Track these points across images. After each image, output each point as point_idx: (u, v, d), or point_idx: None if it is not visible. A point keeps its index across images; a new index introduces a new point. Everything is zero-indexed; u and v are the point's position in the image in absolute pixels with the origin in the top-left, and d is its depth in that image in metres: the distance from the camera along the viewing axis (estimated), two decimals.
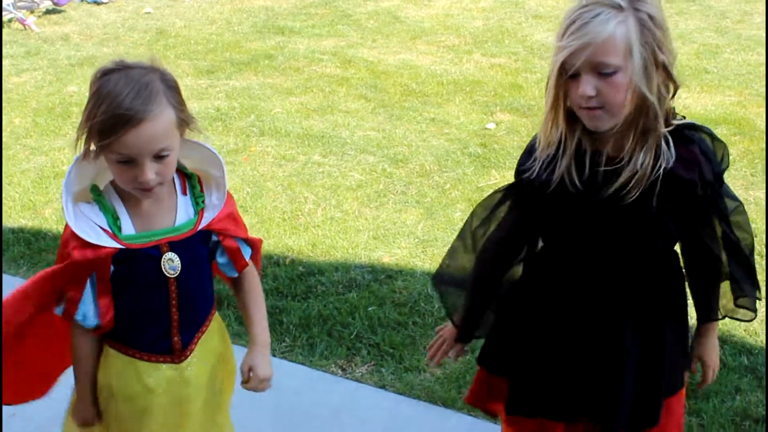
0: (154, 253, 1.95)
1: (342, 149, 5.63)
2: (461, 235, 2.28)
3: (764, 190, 4.85)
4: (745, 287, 2.15)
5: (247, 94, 6.75)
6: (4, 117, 6.34)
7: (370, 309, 3.73)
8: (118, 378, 2.05)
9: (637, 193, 1.89)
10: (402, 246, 4.32)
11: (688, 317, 2.18)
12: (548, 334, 2.14)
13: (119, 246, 1.91)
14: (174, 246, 1.97)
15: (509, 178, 5.08)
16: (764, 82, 6.66)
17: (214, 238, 2.06)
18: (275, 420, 3.06)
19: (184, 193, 2.02)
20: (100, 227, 1.91)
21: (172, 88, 1.90)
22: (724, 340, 3.45)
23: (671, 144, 1.89)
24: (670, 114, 1.91)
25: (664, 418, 2.14)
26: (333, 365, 3.40)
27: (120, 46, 8.23)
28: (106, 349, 2.06)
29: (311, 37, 8.45)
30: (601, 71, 1.81)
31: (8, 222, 4.69)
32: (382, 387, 3.26)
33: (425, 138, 5.81)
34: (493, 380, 2.33)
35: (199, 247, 2.03)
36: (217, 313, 2.19)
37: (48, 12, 9.47)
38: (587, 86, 1.82)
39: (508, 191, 2.17)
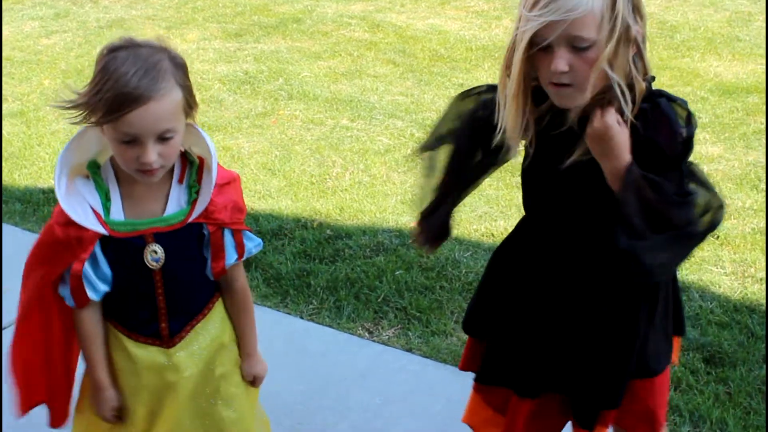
0: (137, 243, 1.91)
1: (370, 114, 5.61)
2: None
3: None
4: None
5: (275, 58, 6.74)
6: (34, 78, 6.39)
7: (397, 273, 3.73)
8: (114, 351, 2.03)
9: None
10: None
11: (672, 300, 2.05)
12: (525, 305, 2.06)
13: (103, 232, 1.87)
14: (160, 237, 1.92)
15: None
16: None
17: (205, 231, 1.97)
18: (301, 382, 3.08)
19: (180, 181, 1.96)
20: (91, 207, 1.87)
21: (180, 68, 1.84)
22: (752, 309, 3.43)
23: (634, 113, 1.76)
24: (641, 90, 1.77)
25: (635, 399, 2.06)
26: (360, 328, 3.41)
27: (149, 9, 8.22)
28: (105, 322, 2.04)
29: (339, 1, 8.39)
30: (576, 45, 1.70)
31: (39, 182, 4.74)
32: (409, 350, 3.27)
33: None
34: (477, 346, 2.27)
35: (189, 237, 1.97)
36: (220, 301, 2.11)
37: None
38: (560, 61, 1.70)
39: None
